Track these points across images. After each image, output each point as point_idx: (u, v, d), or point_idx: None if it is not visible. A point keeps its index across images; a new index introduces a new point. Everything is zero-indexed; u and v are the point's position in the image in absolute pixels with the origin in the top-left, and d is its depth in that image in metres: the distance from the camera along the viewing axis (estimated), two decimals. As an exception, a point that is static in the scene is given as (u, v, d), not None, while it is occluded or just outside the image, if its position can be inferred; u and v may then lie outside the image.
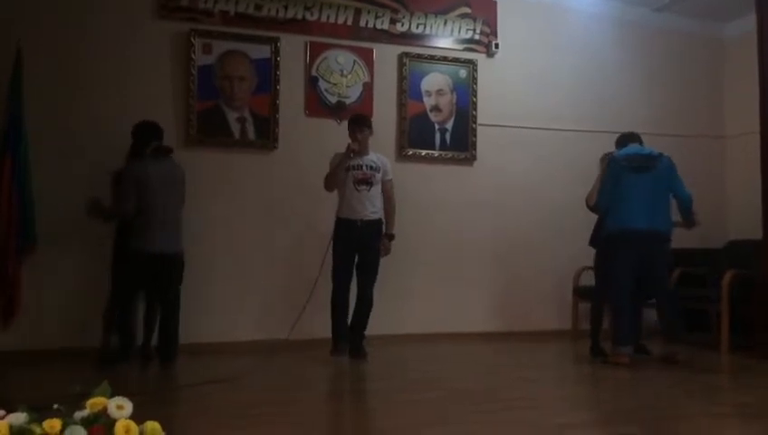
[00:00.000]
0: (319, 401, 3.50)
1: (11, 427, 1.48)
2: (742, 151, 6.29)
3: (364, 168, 4.62)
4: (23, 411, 1.55)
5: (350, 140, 4.63)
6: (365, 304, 4.63)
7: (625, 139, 4.81)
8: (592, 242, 4.94)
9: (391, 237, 4.70)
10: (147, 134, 4.40)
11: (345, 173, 4.59)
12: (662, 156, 4.57)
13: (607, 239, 4.63)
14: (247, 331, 4.99)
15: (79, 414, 1.55)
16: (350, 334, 4.64)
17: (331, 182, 4.64)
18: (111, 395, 1.63)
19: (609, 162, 4.69)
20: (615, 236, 4.54)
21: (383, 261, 4.73)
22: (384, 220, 4.71)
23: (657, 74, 6.25)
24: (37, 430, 1.46)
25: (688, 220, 4.66)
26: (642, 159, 4.54)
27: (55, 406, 1.53)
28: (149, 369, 4.31)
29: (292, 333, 4.79)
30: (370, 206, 4.61)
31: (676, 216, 4.69)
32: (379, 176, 4.65)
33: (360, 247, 4.61)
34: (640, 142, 4.75)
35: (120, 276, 4.36)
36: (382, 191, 4.69)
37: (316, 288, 4.71)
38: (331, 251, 4.66)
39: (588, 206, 4.80)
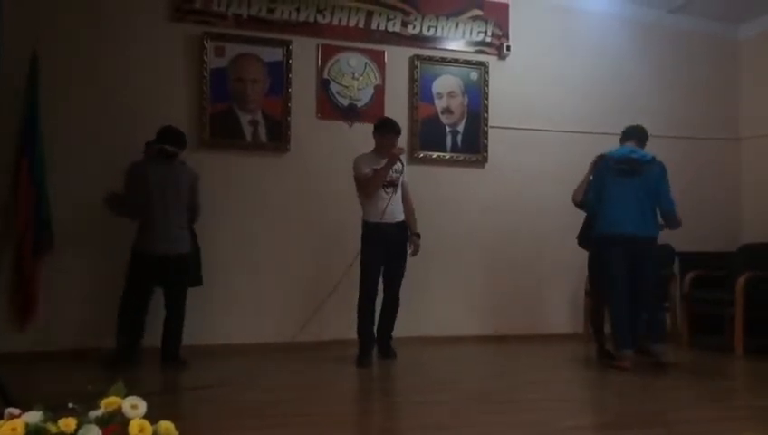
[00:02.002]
0: (331, 402, 3.50)
1: (27, 425, 1.50)
2: (757, 154, 6.25)
3: (391, 171, 4.55)
4: (38, 410, 1.57)
5: (377, 142, 4.60)
6: (394, 305, 4.65)
7: (624, 134, 4.74)
8: (580, 242, 4.90)
9: (419, 236, 4.70)
10: (159, 138, 4.43)
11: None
12: (654, 162, 4.51)
13: (596, 242, 4.61)
14: (261, 332, 5.00)
15: (93, 414, 1.57)
16: (378, 338, 4.66)
17: (373, 188, 4.49)
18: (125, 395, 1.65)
19: (597, 161, 4.65)
20: (603, 239, 4.52)
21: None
22: (407, 221, 4.69)
23: (671, 76, 6.21)
24: (52, 428, 1.48)
25: (670, 226, 4.60)
26: (631, 163, 4.49)
27: (70, 405, 1.55)
28: (160, 369, 4.32)
29: (304, 335, 4.81)
30: (398, 208, 4.60)
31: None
32: (401, 178, 4.64)
33: (391, 250, 4.57)
34: (638, 140, 4.66)
35: (127, 277, 4.38)
36: (402, 193, 4.68)
37: (329, 289, 4.73)
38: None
39: (574, 202, 4.78)
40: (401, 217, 4.63)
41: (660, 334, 4.55)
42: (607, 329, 4.74)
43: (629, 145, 4.63)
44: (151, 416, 1.64)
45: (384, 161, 4.50)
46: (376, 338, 4.68)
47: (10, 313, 4.51)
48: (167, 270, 4.34)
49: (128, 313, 4.34)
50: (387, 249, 4.55)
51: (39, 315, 4.53)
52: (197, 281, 4.62)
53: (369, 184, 4.49)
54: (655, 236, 4.52)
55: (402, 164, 4.62)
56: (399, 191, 4.63)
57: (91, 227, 4.66)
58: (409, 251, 4.69)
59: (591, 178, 4.69)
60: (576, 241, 4.94)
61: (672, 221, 4.56)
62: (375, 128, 4.67)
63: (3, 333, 4.43)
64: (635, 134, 4.69)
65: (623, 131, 4.77)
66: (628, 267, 4.45)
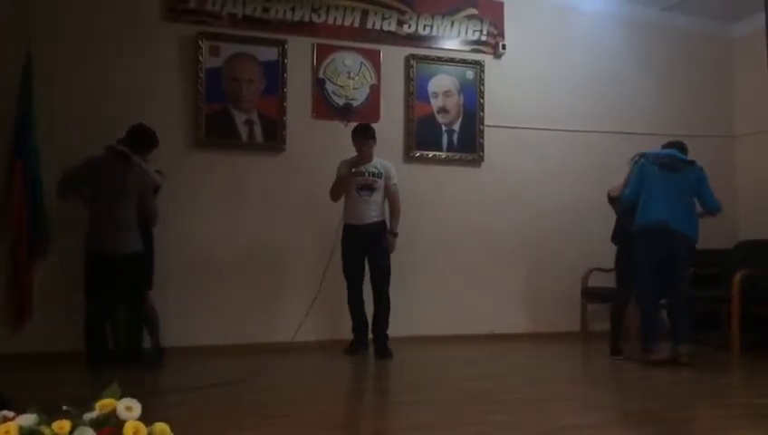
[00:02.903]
0: (328, 402, 3.50)
1: (21, 428, 1.49)
2: (752, 151, 6.26)
3: (366, 174, 4.74)
4: (33, 413, 1.56)
5: (354, 148, 4.75)
6: (382, 305, 4.76)
7: (667, 144, 4.84)
8: (614, 239, 4.92)
9: (395, 235, 4.77)
10: (127, 136, 4.38)
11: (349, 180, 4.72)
12: (695, 164, 4.60)
13: (633, 235, 4.61)
14: (254, 333, 4.99)
15: (88, 416, 1.55)
16: (373, 338, 4.79)
17: (336, 195, 4.79)
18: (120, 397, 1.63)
19: (639, 157, 4.70)
20: (641, 229, 4.55)
21: (393, 263, 4.77)
22: (389, 220, 4.81)
23: (665, 74, 6.22)
24: (47, 431, 1.46)
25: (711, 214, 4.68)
26: (675, 161, 4.56)
27: (64, 407, 1.54)
28: (152, 372, 4.25)
29: (298, 335, 4.80)
30: (372, 211, 4.75)
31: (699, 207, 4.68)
32: (381, 182, 4.77)
33: (368, 251, 4.75)
34: (680, 149, 4.74)
35: (84, 279, 4.29)
36: (387, 196, 4.80)
37: (321, 291, 4.74)
38: (327, 256, 4.78)
39: (609, 197, 4.84)
40: (377, 219, 4.77)
41: (684, 335, 4.52)
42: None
43: (669, 150, 4.71)
44: (147, 418, 1.63)
45: (360, 166, 4.73)
46: (372, 339, 4.77)
47: (5, 315, 4.49)
48: (119, 269, 4.22)
49: (89, 315, 4.24)
50: (364, 250, 4.73)
51: (34, 317, 4.51)
52: (149, 285, 4.51)
53: (331, 190, 4.78)
54: (692, 237, 4.53)
55: (378, 168, 4.76)
56: (378, 195, 4.76)
57: (86, 228, 4.63)
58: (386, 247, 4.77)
59: (630, 174, 4.72)
60: (610, 239, 4.97)
61: (712, 214, 4.64)
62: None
63: (-2, 336, 4.42)
64: (677, 144, 4.78)
65: (665, 144, 4.86)
66: (658, 262, 4.47)
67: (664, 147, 4.81)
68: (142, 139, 4.42)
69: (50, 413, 1.58)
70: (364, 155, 4.75)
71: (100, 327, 4.31)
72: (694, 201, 4.59)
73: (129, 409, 1.56)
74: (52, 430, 1.46)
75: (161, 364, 4.35)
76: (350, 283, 4.79)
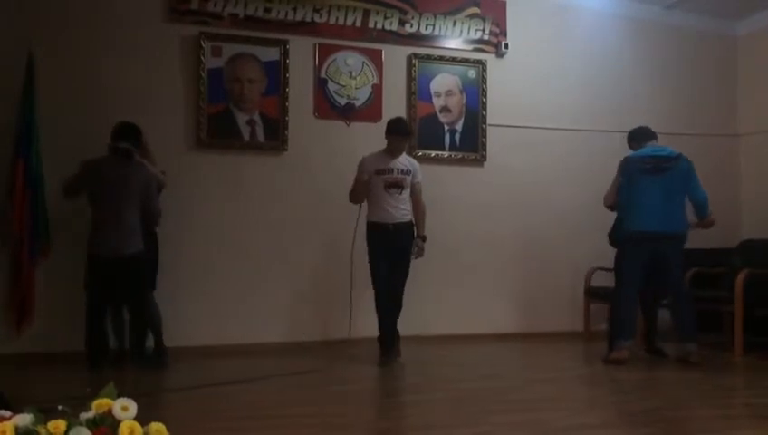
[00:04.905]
0: (332, 403, 3.50)
1: (17, 428, 1.49)
2: (755, 150, 6.24)
3: (395, 171, 4.55)
4: (29, 413, 1.56)
5: (387, 142, 4.56)
6: (396, 305, 4.59)
7: (637, 135, 4.78)
8: (611, 241, 4.91)
9: (424, 239, 4.63)
10: (114, 135, 4.34)
11: (375, 177, 4.52)
12: (680, 157, 4.54)
13: (622, 241, 4.63)
14: (258, 333, 5.00)
15: (84, 415, 1.56)
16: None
17: (358, 196, 4.59)
18: (118, 396, 1.63)
19: (624, 163, 4.66)
20: (629, 238, 4.55)
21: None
22: (414, 222, 4.63)
23: (669, 73, 6.20)
24: (42, 431, 1.47)
25: (703, 220, 4.64)
26: (658, 161, 4.52)
27: (60, 407, 1.54)
28: (155, 372, 4.27)
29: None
30: (401, 209, 4.56)
31: (692, 216, 4.66)
32: (409, 179, 4.58)
33: (393, 250, 4.54)
34: (655, 138, 4.71)
35: (85, 282, 4.32)
36: (411, 194, 4.62)
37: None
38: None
39: (606, 206, 4.81)
40: (405, 219, 4.57)
41: (691, 334, 4.51)
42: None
43: (651, 144, 4.66)
44: (147, 418, 1.63)
45: (392, 161, 4.50)
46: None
47: (7, 315, 4.50)
48: (120, 271, 4.23)
49: (90, 317, 4.26)
50: (390, 249, 4.51)
51: (36, 317, 4.52)
52: (152, 285, 4.53)
53: (353, 193, 4.59)
54: (683, 232, 4.53)
55: (407, 165, 4.59)
56: (407, 193, 4.58)
57: (87, 228, 4.64)
58: (413, 254, 4.61)
59: (620, 180, 4.68)
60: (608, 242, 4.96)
61: (704, 214, 4.58)
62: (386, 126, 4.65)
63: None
64: (650, 134, 4.72)
65: (635, 132, 4.79)
66: (645, 265, 4.47)
67: (635, 136, 4.75)
68: (129, 132, 4.36)
69: (48, 413, 1.59)
70: (398, 151, 4.57)
71: (100, 328, 4.32)
72: (683, 198, 4.55)
73: (124, 408, 1.56)
74: (48, 430, 1.46)
75: (165, 364, 4.35)
76: (381, 286, 4.51)
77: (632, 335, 4.57)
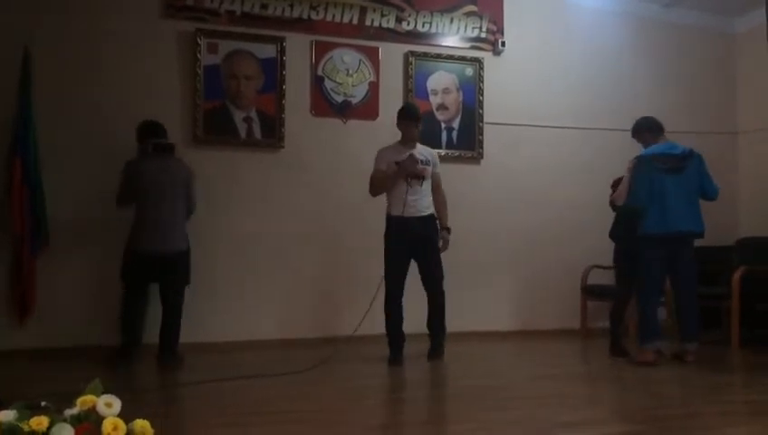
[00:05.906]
0: (331, 399, 3.49)
1: (1, 424, 1.50)
2: (754, 147, 6.22)
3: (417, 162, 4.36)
4: (14, 409, 1.56)
5: (399, 130, 4.44)
6: (438, 304, 4.42)
7: (648, 127, 4.63)
8: (613, 236, 4.81)
9: (449, 230, 4.47)
10: (144, 133, 4.42)
11: (394, 169, 4.34)
12: (693, 154, 4.48)
13: (643, 241, 4.47)
14: (258, 329, 5.00)
15: (69, 412, 1.56)
16: (429, 335, 4.49)
17: (381, 187, 4.40)
18: (111, 392, 1.64)
19: (638, 162, 4.52)
20: (652, 238, 4.41)
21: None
22: (437, 214, 4.47)
23: (667, 70, 6.18)
24: (25, 427, 1.47)
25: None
26: (675, 160, 4.43)
27: (43, 403, 1.55)
28: (158, 366, 4.30)
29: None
30: (424, 201, 4.38)
31: None
32: (430, 169, 4.42)
33: (419, 246, 4.35)
34: (664, 132, 4.62)
35: (123, 276, 4.37)
36: (432, 184, 4.47)
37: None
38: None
39: (613, 205, 4.71)
40: (427, 212, 4.40)
41: (693, 332, 4.47)
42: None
43: (662, 141, 4.56)
44: (147, 414, 1.63)
45: (406, 152, 4.35)
46: (429, 338, 4.50)
47: (8, 310, 4.52)
48: (164, 268, 4.30)
49: (126, 311, 4.32)
50: (411, 245, 4.34)
51: (36, 313, 4.54)
52: (187, 280, 4.55)
53: (373, 185, 4.41)
54: (703, 232, 4.48)
55: (426, 155, 4.46)
56: (428, 184, 4.43)
57: (87, 224, 4.67)
58: (439, 246, 4.44)
59: (632, 180, 4.56)
60: (608, 234, 4.87)
61: (711, 199, 4.56)
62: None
63: (0, 331, 4.44)
64: (659, 127, 4.61)
65: (646, 125, 4.64)
66: (665, 266, 4.43)
67: (645, 128, 4.64)
68: (161, 129, 4.47)
69: (34, 409, 1.59)
70: (411, 139, 4.40)
71: (137, 323, 4.35)
72: (699, 195, 4.51)
73: (108, 405, 1.57)
74: (30, 427, 1.47)
75: (181, 359, 4.37)
76: (394, 284, 4.31)
77: (659, 334, 4.48)
